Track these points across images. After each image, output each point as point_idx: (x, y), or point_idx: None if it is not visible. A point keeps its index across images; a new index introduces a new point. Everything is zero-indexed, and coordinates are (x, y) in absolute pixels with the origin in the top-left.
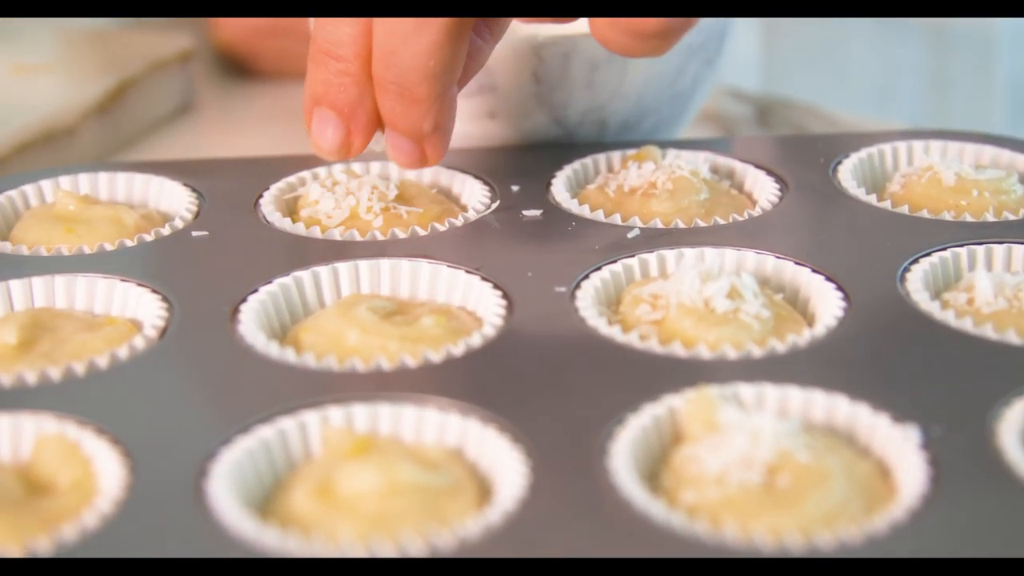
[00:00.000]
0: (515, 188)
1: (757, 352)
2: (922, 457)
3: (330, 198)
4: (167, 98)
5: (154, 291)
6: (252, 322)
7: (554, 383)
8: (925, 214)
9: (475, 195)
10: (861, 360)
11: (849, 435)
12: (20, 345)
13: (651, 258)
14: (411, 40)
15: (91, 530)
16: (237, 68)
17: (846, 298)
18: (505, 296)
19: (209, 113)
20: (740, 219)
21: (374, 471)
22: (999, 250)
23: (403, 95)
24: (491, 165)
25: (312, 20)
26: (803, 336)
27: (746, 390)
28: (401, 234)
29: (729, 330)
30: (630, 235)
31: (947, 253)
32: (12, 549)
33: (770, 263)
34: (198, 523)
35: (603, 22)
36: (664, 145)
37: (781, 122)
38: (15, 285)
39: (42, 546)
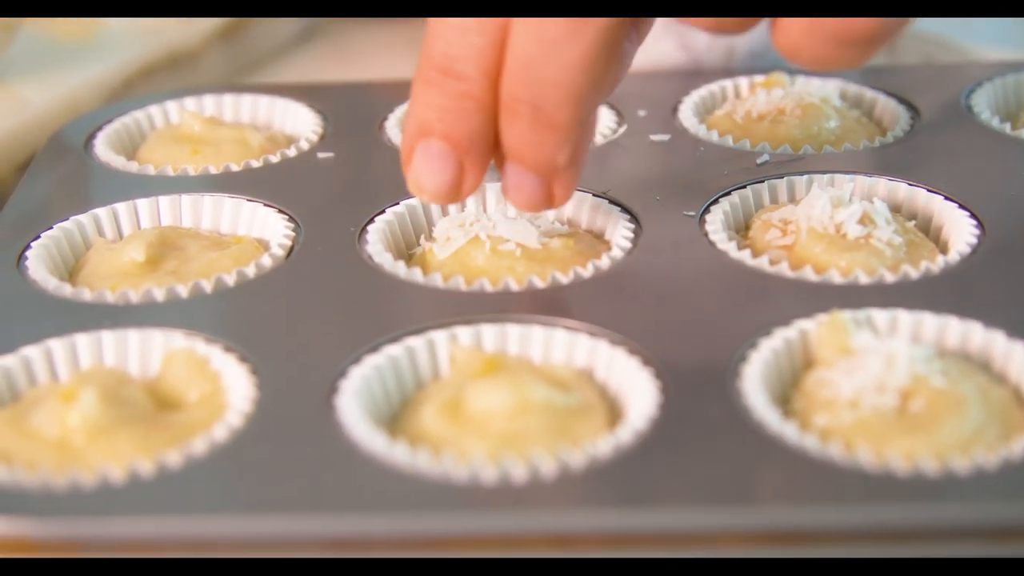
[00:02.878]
0: (642, 113)
1: (890, 278)
2: None
3: None
4: (290, 24)
5: (280, 211)
6: (379, 242)
7: (683, 306)
8: None
9: (602, 120)
10: (996, 287)
11: (984, 362)
12: (148, 262)
13: (781, 184)
14: (561, 48)
15: (221, 444)
16: None
17: (979, 226)
18: (633, 219)
19: (331, 39)
20: (871, 146)
21: (504, 390)
22: None
23: (538, 120)
24: (617, 91)
25: (427, 27)
26: (936, 263)
27: (879, 315)
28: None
29: (861, 255)
30: (759, 161)
31: None
32: (143, 463)
33: (902, 190)
34: (329, 438)
35: (798, 28)
36: (793, 72)
37: (911, 53)
38: (142, 204)
39: (172, 460)
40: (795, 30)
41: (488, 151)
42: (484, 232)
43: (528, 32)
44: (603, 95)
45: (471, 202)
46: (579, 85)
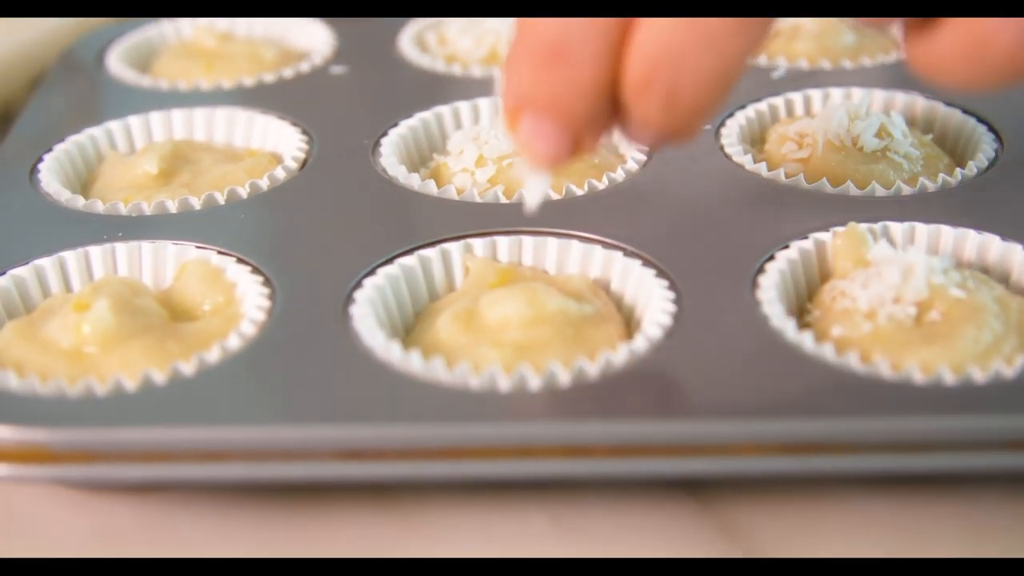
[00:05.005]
0: None
1: (907, 190)
2: None
3: (469, 37)
4: None
5: (294, 124)
6: (393, 155)
7: (699, 218)
8: None
9: None
10: (1014, 200)
11: (1002, 274)
12: (161, 175)
13: (797, 97)
14: (724, 43)
15: (235, 353)
16: None
17: (998, 139)
18: None
19: None
20: (888, 60)
21: (519, 299)
22: None
23: (674, 104)
24: None
25: None
26: (954, 176)
27: (896, 227)
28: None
29: (878, 168)
30: (775, 75)
31: None
32: (156, 372)
33: (919, 104)
34: (343, 348)
35: (959, 51)
36: None
37: None
38: (155, 118)
39: (186, 369)
40: (957, 55)
41: (609, 117)
42: (496, 148)
43: (680, 24)
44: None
45: (485, 115)
46: (727, 78)
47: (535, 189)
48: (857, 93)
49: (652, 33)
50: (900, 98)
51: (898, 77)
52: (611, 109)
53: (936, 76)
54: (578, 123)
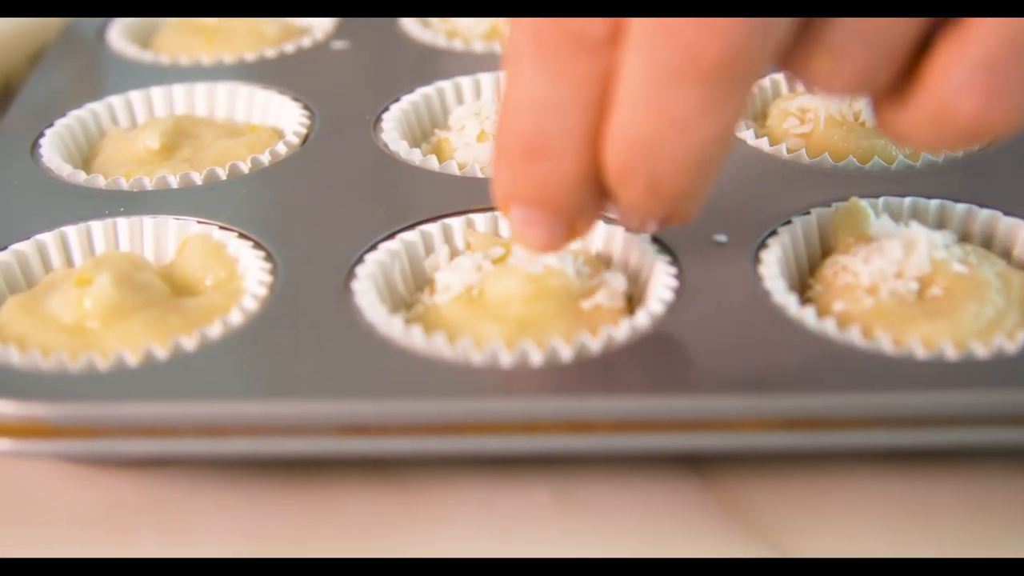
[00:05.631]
0: None
1: (909, 165)
2: None
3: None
4: None
5: (295, 99)
6: (394, 130)
7: None
8: None
9: None
10: (1017, 175)
11: (1005, 249)
12: (162, 150)
13: None
14: (692, 127)
15: (236, 328)
16: None
17: None
18: None
19: None
20: None
21: (521, 274)
22: None
23: (657, 191)
24: None
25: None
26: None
27: (898, 202)
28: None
29: (880, 143)
30: None
31: None
32: (158, 347)
33: None
34: (345, 323)
35: (924, 120)
36: None
37: None
38: (156, 92)
39: (187, 344)
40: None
41: (599, 202)
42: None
43: (646, 110)
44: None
45: (487, 89)
46: (708, 160)
47: None
48: None
49: (624, 120)
50: None
51: None
52: (600, 193)
53: (904, 141)
54: (566, 212)
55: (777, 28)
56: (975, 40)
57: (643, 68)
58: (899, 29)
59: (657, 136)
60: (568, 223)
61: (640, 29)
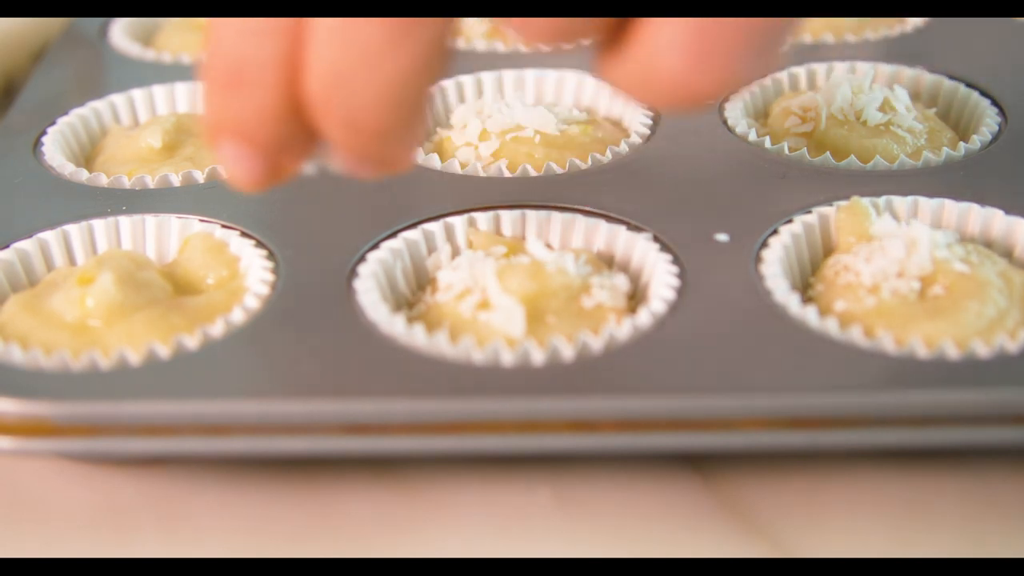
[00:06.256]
0: None
1: (910, 164)
2: None
3: None
4: None
5: None
6: None
7: (703, 192)
8: None
9: None
10: (1017, 174)
11: (1006, 248)
12: (165, 148)
13: (800, 71)
14: (381, 62)
15: (239, 327)
16: None
17: (1001, 113)
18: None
19: None
20: (892, 35)
21: (523, 274)
22: None
23: (356, 128)
24: None
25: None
26: (957, 150)
27: (899, 201)
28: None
29: (881, 142)
30: None
31: None
32: (160, 345)
33: (923, 78)
34: (347, 322)
35: (633, 76)
36: None
37: None
38: (159, 91)
39: (190, 343)
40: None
41: (306, 140)
42: (499, 122)
43: (338, 41)
44: (429, 90)
45: (489, 89)
46: (401, 97)
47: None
48: (861, 67)
49: (317, 53)
50: (903, 72)
51: (901, 51)
52: (306, 129)
53: (620, 92)
54: (270, 146)
55: None
56: None
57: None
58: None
59: (349, 69)
60: (272, 159)
61: None
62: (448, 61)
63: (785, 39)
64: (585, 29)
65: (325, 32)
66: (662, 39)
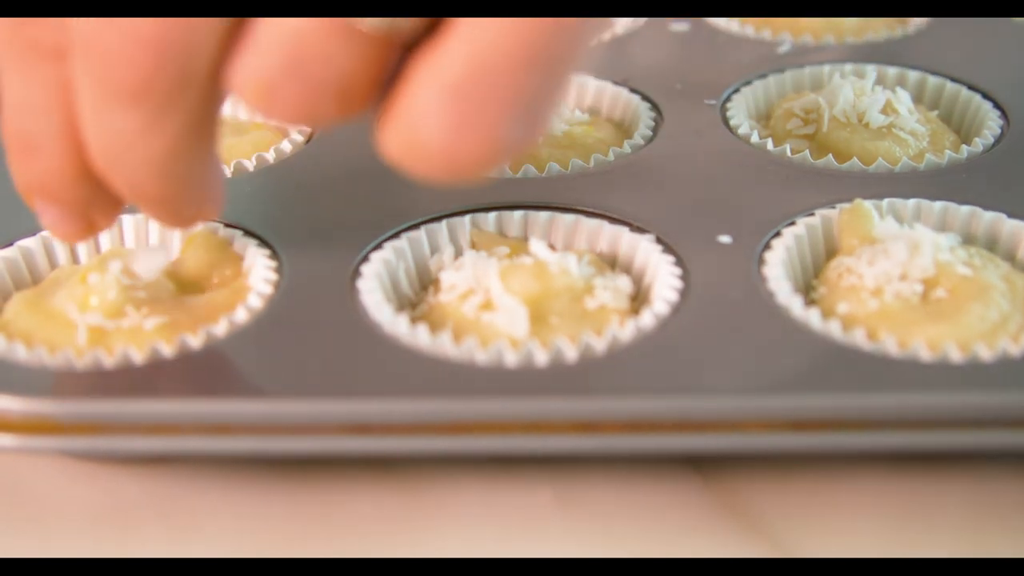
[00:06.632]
0: None
1: (912, 167)
2: None
3: None
4: None
5: None
6: None
7: (706, 194)
8: None
9: None
10: (1020, 177)
11: (1009, 251)
12: None
13: (802, 73)
14: (140, 145)
15: (242, 326)
16: None
17: (1003, 116)
18: (654, 107)
19: None
20: (893, 36)
21: (527, 275)
22: None
23: (142, 197)
24: None
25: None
26: (960, 152)
27: (902, 204)
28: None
29: (884, 144)
30: (780, 50)
31: None
32: (164, 344)
33: (925, 80)
34: (351, 322)
35: (397, 145)
36: None
37: None
38: None
39: (193, 342)
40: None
41: (115, 200)
42: None
43: (96, 129)
44: (209, 154)
45: None
46: (171, 171)
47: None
48: (863, 69)
49: (86, 133)
50: (906, 74)
51: (903, 54)
52: (107, 190)
53: (397, 165)
54: (76, 205)
55: (196, 41)
56: (444, 62)
57: (84, 86)
58: (342, 52)
59: (114, 150)
60: (83, 215)
61: (77, 42)
62: (217, 129)
63: (553, 100)
64: (322, 104)
65: (85, 115)
66: (420, 106)
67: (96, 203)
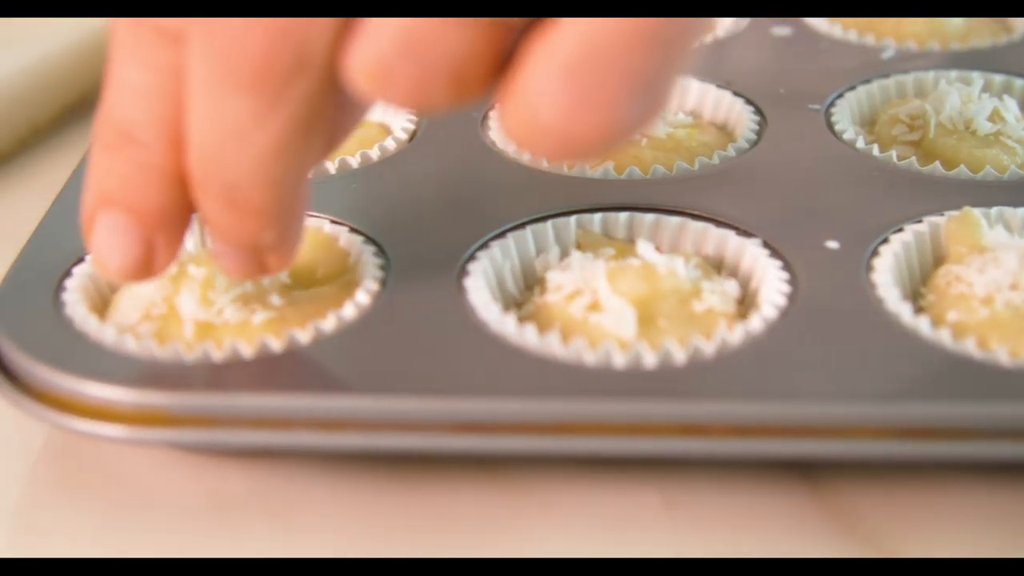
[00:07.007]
0: None
1: (1021, 175)
2: None
3: None
4: None
5: None
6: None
7: (811, 199)
8: None
9: None
10: None
11: None
12: None
13: (907, 79)
14: (247, 138)
15: (350, 322)
16: None
17: None
18: (758, 111)
19: None
20: (998, 43)
21: (635, 277)
22: None
23: (233, 204)
24: None
25: (106, 82)
26: None
27: (1011, 212)
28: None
29: (991, 152)
30: (884, 55)
31: None
32: (273, 340)
33: None
34: (458, 320)
35: (515, 124)
36: None
37: None
38: None
39: (302, 337)
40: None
41: (184, 224)
42: None
43: (206, 117)
44: (311, 167)
45: None
46: (274, 172)
47: None
48: (968, 76)
49: (192, 125)
50: (1013, 82)
51: (1010, 61)
52: (187, 203)
53: (515, 145)
54: (147, 217)
55: (314, 30)
56: (560, 41)
57: (198, 71)
58: (457, 36)
59: (220, 144)
60: (149, 233)
61: (200, 24)
62: (334, 141)
63: (670, 79)
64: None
65: (196, 103)
66: (536, 86)
67: (168, 222)
